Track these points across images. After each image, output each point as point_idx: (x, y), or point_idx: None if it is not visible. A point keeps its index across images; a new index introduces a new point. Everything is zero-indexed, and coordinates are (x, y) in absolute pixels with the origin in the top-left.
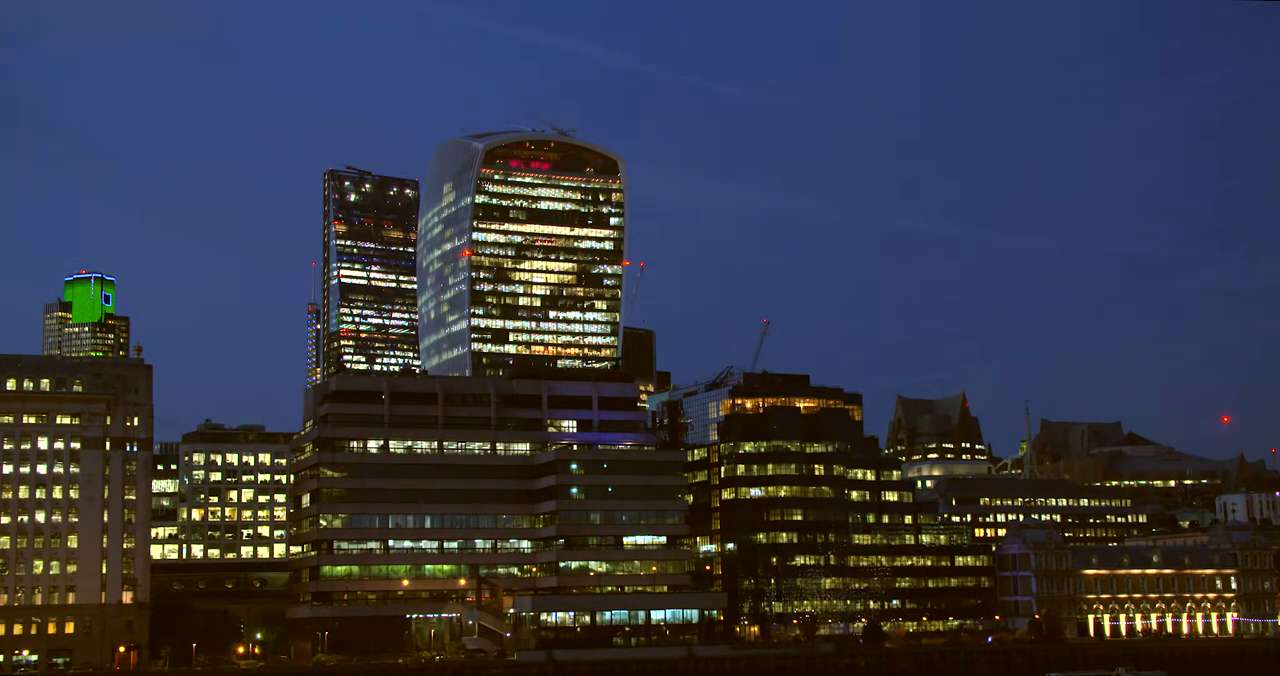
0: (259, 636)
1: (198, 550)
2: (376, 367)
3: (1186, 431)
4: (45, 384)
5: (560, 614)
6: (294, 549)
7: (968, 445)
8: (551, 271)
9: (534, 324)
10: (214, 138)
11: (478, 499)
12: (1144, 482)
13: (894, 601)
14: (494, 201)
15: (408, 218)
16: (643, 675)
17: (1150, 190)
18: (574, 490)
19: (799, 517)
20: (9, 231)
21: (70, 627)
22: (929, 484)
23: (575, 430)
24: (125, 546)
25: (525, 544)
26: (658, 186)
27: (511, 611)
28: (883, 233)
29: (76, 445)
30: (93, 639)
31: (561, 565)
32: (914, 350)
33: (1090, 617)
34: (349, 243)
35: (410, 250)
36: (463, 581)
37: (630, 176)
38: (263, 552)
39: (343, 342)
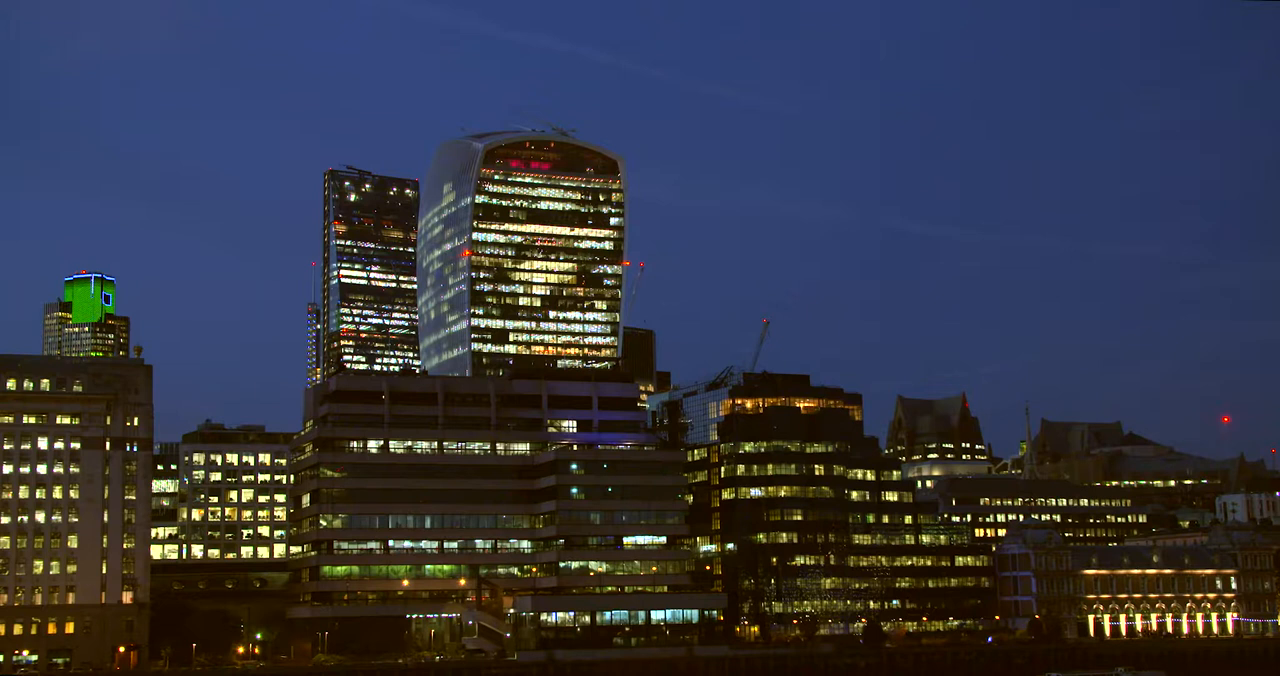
0: (259, 636)
1: (198, 550)
2: (376, 367)
3: (1186, 431)
4: (45, 384)
5: (560, 614)
6: (294, 549)
7: (968, 445)
8: (551, 271)
9: (534, 324)
10: (214, 138)
11: (478, 499)
12: (1144, 482)
13: (894, 601)
14: (494, 201)
15: (408, 218)
16: (643, 675)
17: (1151, 192)
18: (574, 490)
19: (799, 517)
20: (9, 231)
21: (70, 627)
22: (929, 484)
23: (575, 430)
24: (125, 546)
25: (525, 544)
26: (658, 186)
27: (511, 611)
28: (883, 233)
29: (76, 445)
30: (93, 639)
31: (561, 565)
32: (914, 350)
33: (1090, 617)
34: (349, 243)
35: (410, 250)
36: (463, 581)
37: (630, 176)
38: (263, 552)
39: (343, 342)
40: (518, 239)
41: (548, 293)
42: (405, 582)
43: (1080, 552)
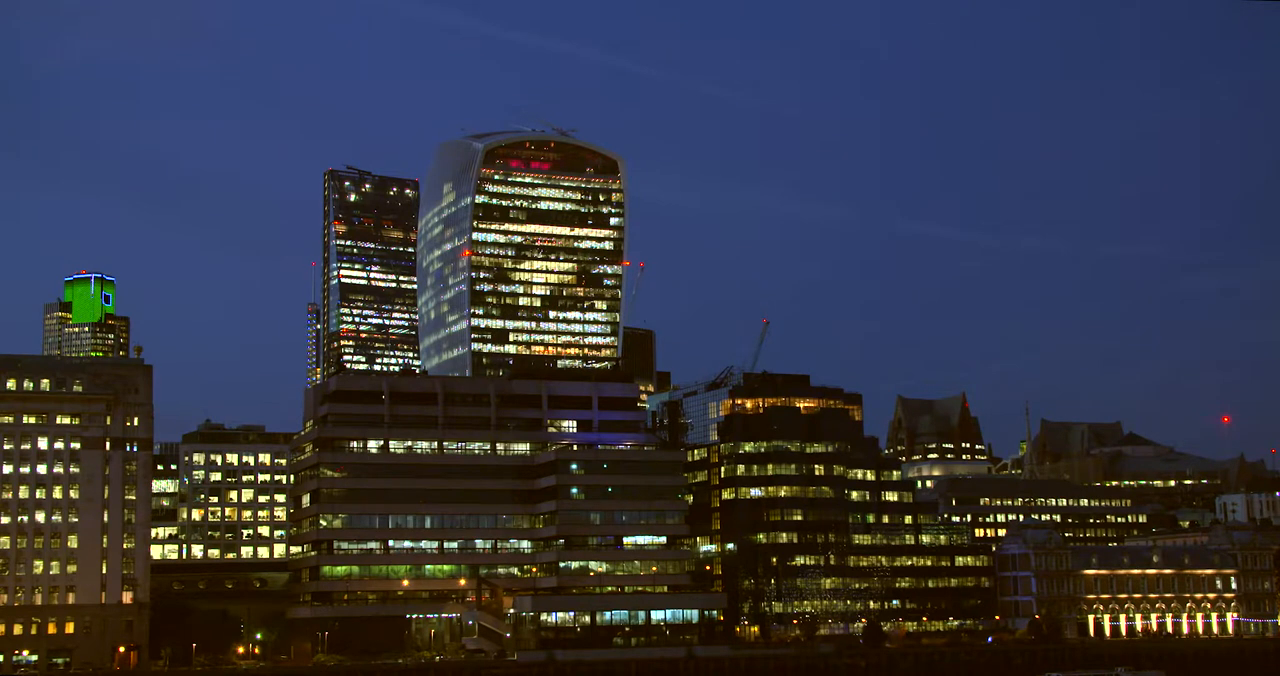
0: (259, 636)
1: (198, 550)
2: (376, 367)
3: (1186, 431)
4: (45, 384)
5: (560, 614)
6: (294, 549)
7: (968, 445)
8: (551, 271)
9: (534, 324)
10: (214, 137)
11: (478, 499)
12: (1144, 482)
13: (894, 601)
14: (494, 201)
15: (408, 218)
16: (643, 675)
17: (1151, 192)
18: (574, 490)
19: (799, 517)
20: (9, 231)
21: (70, 627)
22: (929, 484)
23: (575, 430)
24: (125, 546)
25: (525, 544)
26: (658, 186)
27: (511, 611)
28: (883, 233)
29: (76, 445)
30: (93, 639)
31: (561, 565)
32: (914, 350)
33: (1090, 617)
34: (349, 243)
35: (410, 250)
36: (463, 581)
37: (630, 176)
38: (263, 552)
39: (343, 342)
40: (518, 239)
41: (548, 292)
42: (405, 582)
43: (1080, 552)
